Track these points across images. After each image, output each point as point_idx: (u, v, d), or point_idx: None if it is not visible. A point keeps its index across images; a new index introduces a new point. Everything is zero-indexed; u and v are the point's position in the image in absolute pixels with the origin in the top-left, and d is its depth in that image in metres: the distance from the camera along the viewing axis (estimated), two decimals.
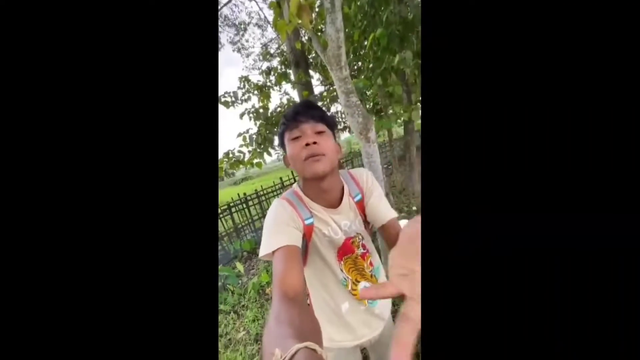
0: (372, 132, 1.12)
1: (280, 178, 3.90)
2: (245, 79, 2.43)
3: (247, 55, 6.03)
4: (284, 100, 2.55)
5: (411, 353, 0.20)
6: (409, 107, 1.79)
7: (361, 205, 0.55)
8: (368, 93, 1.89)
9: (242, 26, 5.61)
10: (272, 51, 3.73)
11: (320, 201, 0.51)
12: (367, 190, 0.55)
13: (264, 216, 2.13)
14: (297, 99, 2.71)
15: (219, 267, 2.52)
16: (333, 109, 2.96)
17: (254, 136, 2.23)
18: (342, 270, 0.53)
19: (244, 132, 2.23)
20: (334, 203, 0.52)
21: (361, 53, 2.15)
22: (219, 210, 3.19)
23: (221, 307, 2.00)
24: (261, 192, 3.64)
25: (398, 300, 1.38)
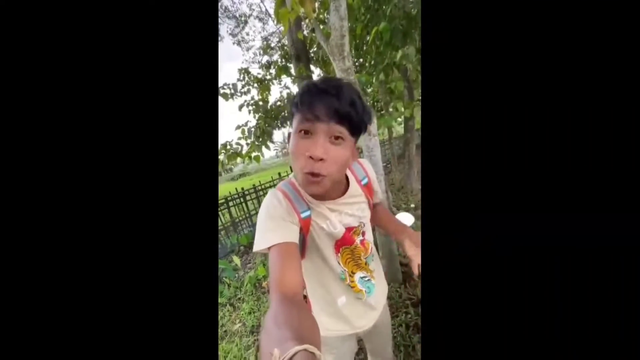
0: (373, 126, 1.12)
1: (279, 174, 3.88)
2: (245, 71, 2.39)
3: (248, 49, 5.96)
4: (284, 94, 2.52)
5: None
6: (410, 104, 1.78)
7: (368, 189, 0.55)
8: (369, 90, 1.88)
9: (243, 18, 5.53)
10: (272, 45, 3.69)
11: (320, 196, 0.48)
12: (371, 176, 0.57)
13: None
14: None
15: None
16: None
17: (253, 129, 2.20)
18: (339, 263, 0.52)
19: (242, 125, 2.20)
20: (337, 193, 0.50)
21: (363, 49, 2.13)
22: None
23: (218, 299, 2.00)
24: (259, 187, 3.63)
25: (393, 294, 1.38)
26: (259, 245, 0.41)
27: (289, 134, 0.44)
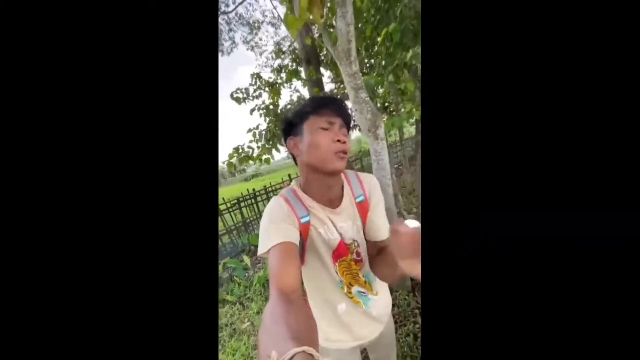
0: (381, 129, 1.10)
1: (289, 175, 3.93)
2: (257, 76, 2.46)
3: (261, 54, 6.11)
4: (294, 98, 2.56)
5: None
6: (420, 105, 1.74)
7: (363, 208, 0.53)
8: (379, 91, 1.86)
9: (256, 24, 5.68)
10: (284, 49, 3.76)
11: (321, 198, 0.50)
12: (372, 197, 0.54)
13: None
14: (307, 96, 2.71)
15: (227, 259, 2.59)
16: None
17: (264, 132, 2.25)
18: (337, 272, 0.52)
19: (253, 128, 2.26)
20: (335, 202, 0.51)
21: (373, 51, 2.11)
22: (229, 205, 3.27)
23: (228, 297, 2.05)
24: (270, 189, 3.69)
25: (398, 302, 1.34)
26: (261, 249, 0.43)
27: (288, 138, 0.50)
